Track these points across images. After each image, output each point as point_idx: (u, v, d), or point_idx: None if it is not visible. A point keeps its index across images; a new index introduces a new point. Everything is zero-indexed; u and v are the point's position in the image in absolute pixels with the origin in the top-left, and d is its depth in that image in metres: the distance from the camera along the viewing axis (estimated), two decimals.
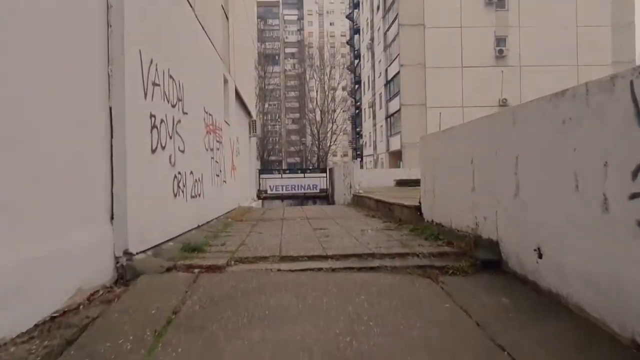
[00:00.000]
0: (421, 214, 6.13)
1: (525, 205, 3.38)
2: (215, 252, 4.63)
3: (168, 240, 4.73)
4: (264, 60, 70.36)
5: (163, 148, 4.48)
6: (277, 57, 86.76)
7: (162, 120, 4.45)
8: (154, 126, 4.18)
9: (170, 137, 4.79)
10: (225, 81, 9.18)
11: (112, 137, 3.44)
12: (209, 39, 7.04)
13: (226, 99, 9.35)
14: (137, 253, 3.72)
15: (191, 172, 5.85)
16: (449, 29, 31.53)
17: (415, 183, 21.32)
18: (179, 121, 5.16)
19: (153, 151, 4.16)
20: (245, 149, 14.51)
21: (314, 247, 4.81)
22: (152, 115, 4.13)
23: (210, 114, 7.28)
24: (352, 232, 6.11)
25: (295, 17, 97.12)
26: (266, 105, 67.21)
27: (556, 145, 2.94)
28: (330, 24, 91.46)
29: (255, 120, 16.60)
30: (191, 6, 5.73)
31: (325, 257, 4.24)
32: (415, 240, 5.09)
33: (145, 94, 3.95)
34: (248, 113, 14.83)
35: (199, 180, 6.36)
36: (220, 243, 5.21)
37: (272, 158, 76.06)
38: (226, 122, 9.21)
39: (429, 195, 5.79)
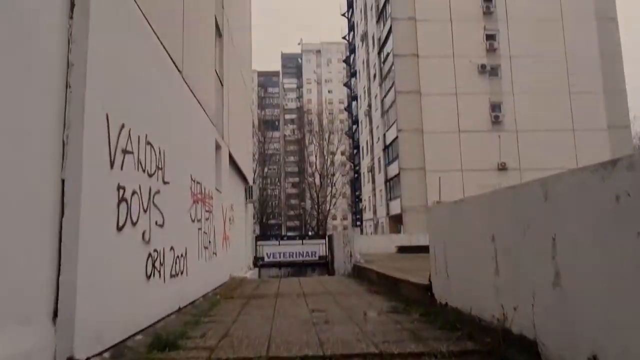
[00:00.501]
0: (432, 294, 5.39)
1: (570, 298, 2.72)
2: (191, 348, 3.87)
3: (137, 333, 3.98)
4: (264, 126, 71.82)
5: (134, 224, 3.87)
6: (277, 123, 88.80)
7: (134, 192, 3.88)
8: (122, 199, 3.61)
9: (145, 211, 4.21)
10: (218, 147, 8.79)
11: (62, 215, 2.85)
12: (200, 103, 6.71)
13: (218, 165, 8.91)
14: (87, 358, 2.99)
15: (172, 248, 5.20)
16: (445, 96, 32.16)
17: (419, 250, 20.50)
18: (158, 192, 4.60)
19: (120, 229, 3.55)
20: (241, 216, 13.91)
21: (309, 340, 4.06)
22: (120, 188, 3.57)
23: (198, 182, 6.76)
24: (354, 315, 5.34)
25: (295, 85, 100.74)
26: (266, 170, 67.59)
27: (610, 226, 2.34)
28: (329, 91, 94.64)
29: (251, 186, 16.15)
30: (179, 70, 5.41)
31: (323, 359, 3.49)
32: (428, 331, 4.33)
33: (112, 163, 3.42)
34: (244, 179, 14.41)
35: (181, 256, 5.69)
36: (199, 334, 4.44)
37: (272, 222, 75.25)
38: (217, 190, 8.69)
39: (441, 275, 5.09)
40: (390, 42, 34.53)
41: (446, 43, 32.79)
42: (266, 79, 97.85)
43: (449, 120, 32.01)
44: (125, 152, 3.67)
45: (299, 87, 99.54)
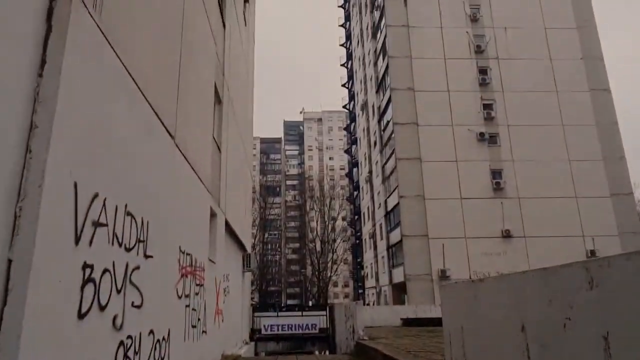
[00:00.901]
0: None
1: None
2: None
3: None
4: (265, 191, 71.91)
5: (102, 308, 3.33)
6: (278, 189, 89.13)
7: (105, 271, 3.38)
8: (88, 280, 3.10)
9: (119, 291, 3.67)
10: (213, 215, 8.35)
11: (4, 303, 2.34)
12: (194, 170, 6.38)
13: (213, 234, 8.41)
14: None
15: (151, 332, 4.58)
16: (446, 163, 32.27)
17: (425, 322, 19.34)
18: (137, 268, 4.09)
19: (82, 316, 3.01)
20: (237, 286, 13.15)
21: None
22: (86, 266, 3.08)
23: (188, 254, 6.24)
24: None
25: (296, 152, 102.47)
26: (266, 235, 66.70)
27: None
28: (330, 158, 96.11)
29: (250, 254, 15.50)
30: (171, 135, 5.11)
31: None
32: None
33: (78, 239, 2.96)
34: (242, 246, 13.81)
35: (163, 339, 5.04)
36: None
37: (272, 289, 73.01)
38: (211, 261, 8.13)
39: None
40: (389, 110, 35.29)
41: (444, 112, 33.48)
42: (268, 146, 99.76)
43: (451, 187, 31.84)
44: (97, 224, 3.22)
45: (301, 153, 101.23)
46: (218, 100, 8.47)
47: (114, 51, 3.51)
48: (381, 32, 38.71)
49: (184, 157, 5.43)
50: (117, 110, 3.63)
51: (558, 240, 29.57)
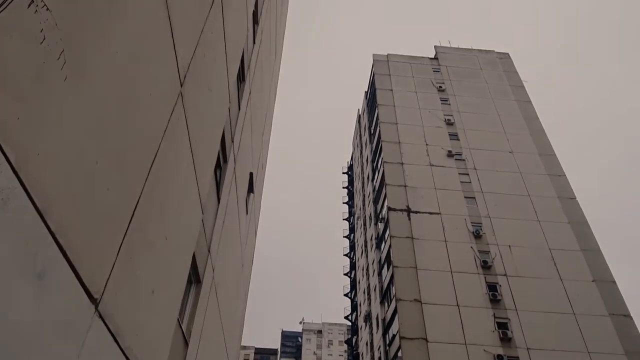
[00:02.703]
0: None
1: None
2: None
3: None
4: None
5: None
6: None
7: None
8: None
9: None
10: None
11: None
12: None
13: None
14: None
15: None
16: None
17: None
18: None
19: None
20: None
21: None
22: None
23: None
24: None
25: None
26: None
27: None
28: None
29: None
30: (91, 298, 3.58)
31: None
32: None
33: None
34: None
35: None
36: None
37: None
38: None
39: None
40: (395, 323, 32.65)
41: (455, 328, 30.81)
42: (263, 357, 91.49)
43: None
44: None
45: None
46: (197, 279, 7.02)
47: None
48: (385, 243, 39.02)
49: (113, 338, 3.72)
50: None
51: None
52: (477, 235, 36.42)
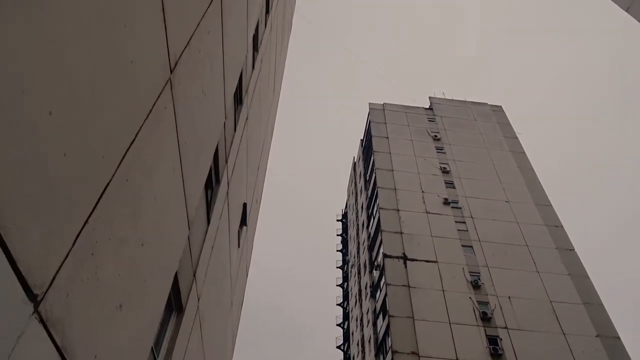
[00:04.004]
0: None
1: None
2: None
3: None
4: None
5: None
6: None
7: None
8: None
9: None
10: None
11: None
12: None
13: None
14: None
15: None
16: None
17: None
18: None
19: None
20: None
21: None
22: None
23: None
24: None
25: None
26: None
27: None
28: None
29: None
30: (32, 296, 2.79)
31: None
32: None
33: None
34: None
35: None
36: None
37: None
38: None
39: None
40: None
41: None
42: None
43: None
44: None
45: None
46: (179, 305, 6.13)
47: None
48: (381, 291, 37.54)
49: (59, 354, 2.86)
50: None
51: None
52: (476, 286, 35.16)
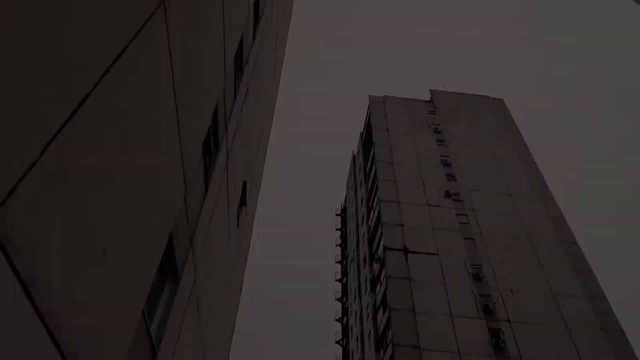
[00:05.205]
0: None
1: None
2: None
3: None
4: None
5: None
6: None
7: None
8: None
9: None
10: None
11: None
12: None
13: None
14: None
15: None
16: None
17: None
18: None
19: None
20: None
21: None
22: None
23: None
24: None
25: None
26: None
27: None
28: None
29: None
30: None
31: None
32: None
33: None
34: None
35: None
36: None
37: None
38: None
39: None
40: None
41: None
42: None
43: None
44: None
45: None
46: (174, 276, 5.60)
47: None
48: (381, 284, 37.08)
49: (24, 290, 2.35)
50: None
51: None
52: (478, 278, 34.70)
